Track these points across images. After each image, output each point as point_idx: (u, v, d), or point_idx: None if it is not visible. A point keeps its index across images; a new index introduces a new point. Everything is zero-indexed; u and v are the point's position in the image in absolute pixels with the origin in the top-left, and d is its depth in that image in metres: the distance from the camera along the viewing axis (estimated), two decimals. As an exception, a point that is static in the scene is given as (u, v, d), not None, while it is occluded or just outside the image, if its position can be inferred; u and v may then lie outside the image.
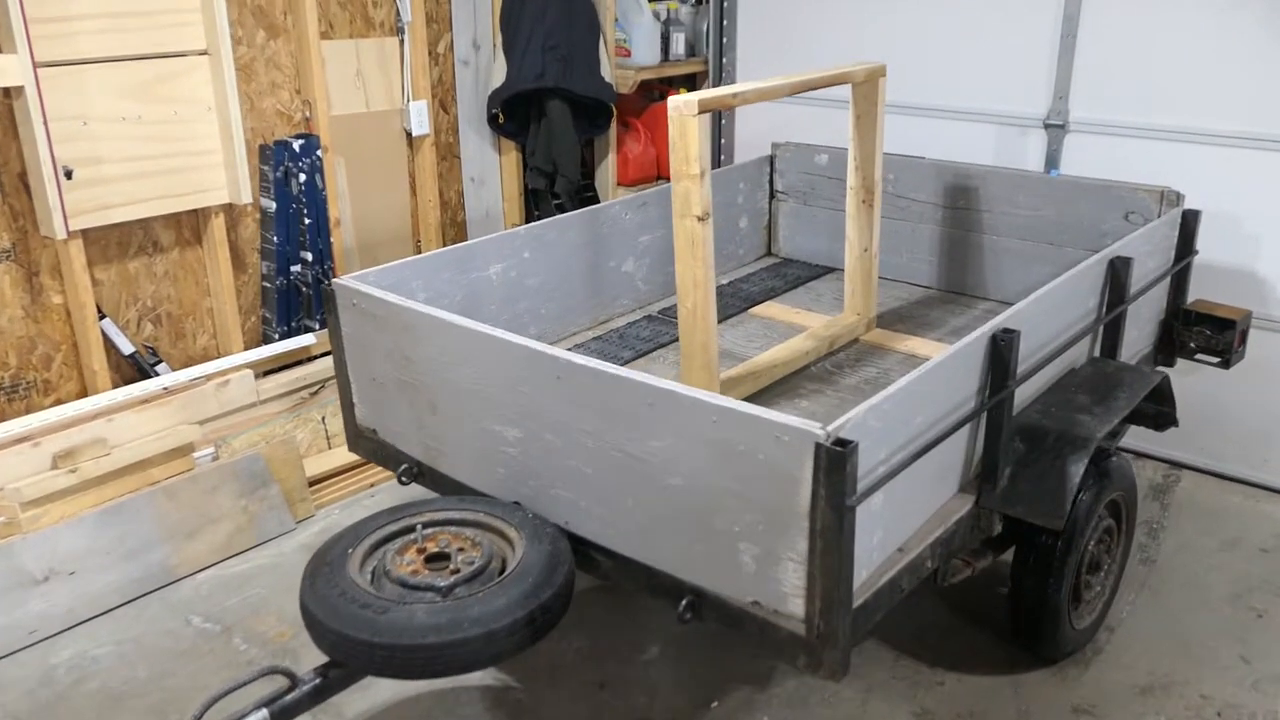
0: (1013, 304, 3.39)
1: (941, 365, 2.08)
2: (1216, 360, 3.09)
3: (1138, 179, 3.34)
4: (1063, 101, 3.62)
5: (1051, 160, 3.69)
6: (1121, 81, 3.50)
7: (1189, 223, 3.08)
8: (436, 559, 2.10)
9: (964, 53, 3.83)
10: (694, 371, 2.73)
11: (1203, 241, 3.12)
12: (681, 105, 2.48)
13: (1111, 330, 2.74)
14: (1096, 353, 2.78)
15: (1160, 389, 2.71)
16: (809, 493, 1.80)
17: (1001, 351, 2.23)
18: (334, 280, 2.66)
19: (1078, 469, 2.29)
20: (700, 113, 2.47)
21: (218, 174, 3.28)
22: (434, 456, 2.59)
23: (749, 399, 2.80)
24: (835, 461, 1.75)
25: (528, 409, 2.26)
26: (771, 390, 2.90)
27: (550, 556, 2.08)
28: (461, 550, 2.11)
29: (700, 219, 2.56)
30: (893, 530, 2.07)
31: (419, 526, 2.18)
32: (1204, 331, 3.07)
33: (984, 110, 3.82)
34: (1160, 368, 3.12)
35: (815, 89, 2.81)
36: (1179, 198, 3.08)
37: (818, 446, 1.77)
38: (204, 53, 3.16)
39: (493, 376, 2.31)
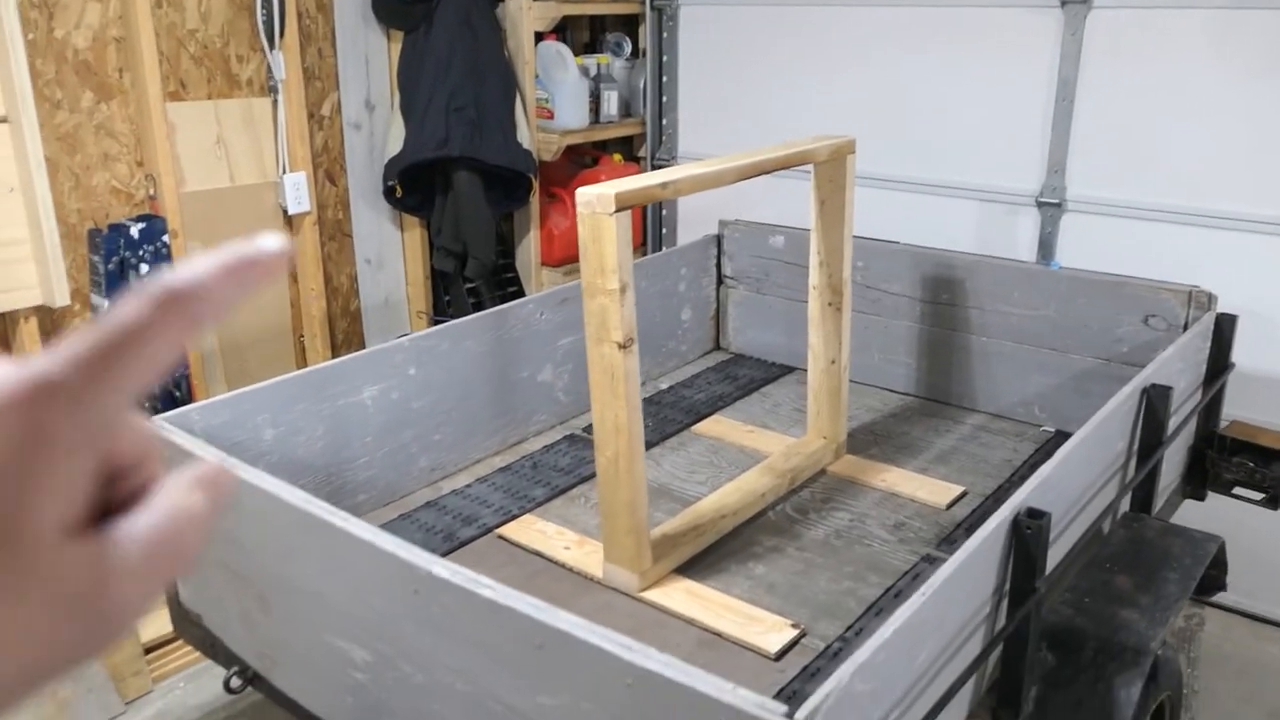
0: (1007, 418, 2.81)
1: (953, 578, 1.48)
2: (1261, 498, 2.53)
3: (1148, 270, 2.79)
4: (1059, 176, 3.08)
5: (1046, 244, 3.14)
6: (1127, 154, 2.96)
7: (1224, 330, 2.53)
8: None
9: (943, 117, 3.28)
10: (617, 537, 2.11)
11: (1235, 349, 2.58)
12: (595, 200, 1.88)
13: (1148, 480, 2.17)
14: (1125, 505, 2.21)
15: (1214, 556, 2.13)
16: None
17: (1028, 543, 1.64)
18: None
19: (1130, 694, 1.70)
20: (619, 210, 1.87)
21: (27, 269, 2.62)
22: (268, 666, 1.94)
23: (689, 565, 2.19)
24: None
25: (378, 627, 1.63)
26: (718, 549, 2.28)
27: None
28: None
29: (622, 346, 1.95)
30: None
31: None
32: (1245, 463, 2.51)
33: (966, 185, 3.27)
34: (1199, 509, 2.56)
35: (769, 172, 2.23)
36: (1210, 299, 2.53)
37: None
38: (3, 120, 2.51)
39: (333, 578, 1.68)
